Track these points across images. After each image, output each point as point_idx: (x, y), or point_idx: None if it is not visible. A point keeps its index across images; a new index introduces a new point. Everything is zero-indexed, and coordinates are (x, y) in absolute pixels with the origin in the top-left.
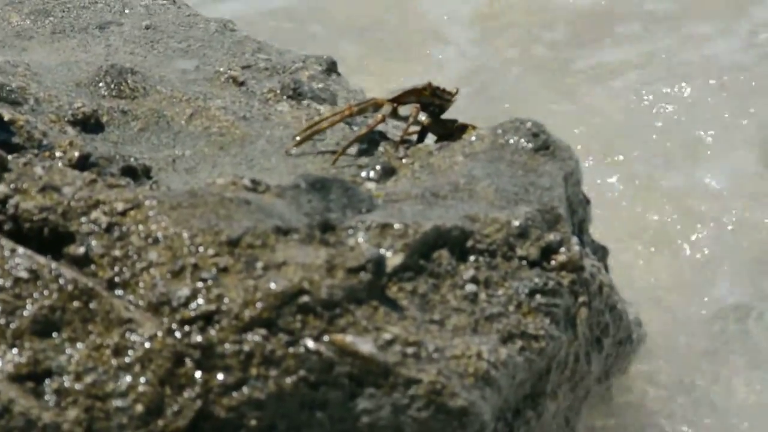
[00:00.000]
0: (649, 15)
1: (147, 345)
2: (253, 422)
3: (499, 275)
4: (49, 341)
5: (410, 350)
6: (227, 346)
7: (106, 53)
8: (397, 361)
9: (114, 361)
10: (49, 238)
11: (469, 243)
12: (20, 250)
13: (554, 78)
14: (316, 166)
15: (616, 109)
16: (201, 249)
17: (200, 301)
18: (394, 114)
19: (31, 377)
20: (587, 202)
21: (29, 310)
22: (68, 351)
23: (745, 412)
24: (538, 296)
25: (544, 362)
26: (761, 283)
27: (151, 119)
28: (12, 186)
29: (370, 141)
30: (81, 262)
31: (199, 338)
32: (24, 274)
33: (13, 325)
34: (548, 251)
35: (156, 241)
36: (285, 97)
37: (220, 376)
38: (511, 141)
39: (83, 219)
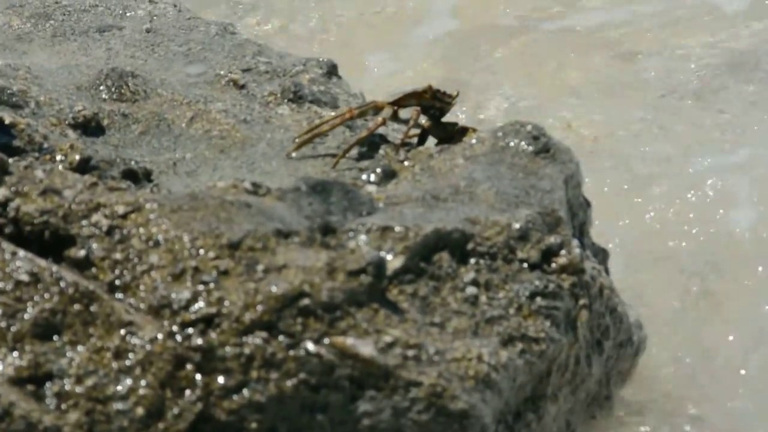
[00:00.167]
0: None
1: (148, 348)
2: (254, 425)
3: (500, 278)
4: (50, 344)
5: (411, 353)
6: (228, 348)
7: (106, 56)
8: (398, 364)
9: (115, 364)
10: (49, 241)
11: (470, 246)
12: (21, 253)
13: None
14: (317, 169)
15: None
16: (201, 252)
17: (201, 304)
18: (395, 117)
19: (32, 380)
20: (588, 204)
21: (30, 313)
22: (69, 354)
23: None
24: (538, 299)
25: (545, 365)
26: None
27: (152, 122)
28: (13, 189)
29: (371, 144)
30: (82, 265)
31: (199, 341)
32: (25, 277)
33: (13, 328)
34: (549, 254)
35: (157, 244)
36: (285, 100)
37: (220, 379)
38: (512, 144)
39: (84, 222)
